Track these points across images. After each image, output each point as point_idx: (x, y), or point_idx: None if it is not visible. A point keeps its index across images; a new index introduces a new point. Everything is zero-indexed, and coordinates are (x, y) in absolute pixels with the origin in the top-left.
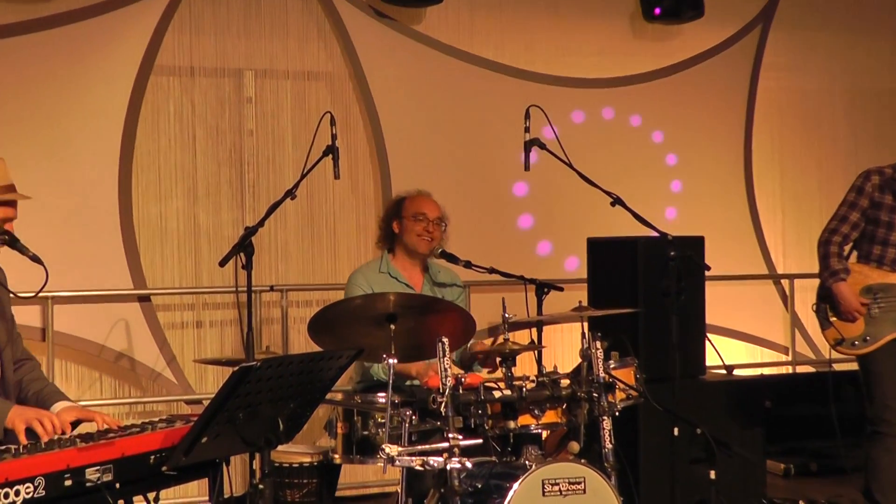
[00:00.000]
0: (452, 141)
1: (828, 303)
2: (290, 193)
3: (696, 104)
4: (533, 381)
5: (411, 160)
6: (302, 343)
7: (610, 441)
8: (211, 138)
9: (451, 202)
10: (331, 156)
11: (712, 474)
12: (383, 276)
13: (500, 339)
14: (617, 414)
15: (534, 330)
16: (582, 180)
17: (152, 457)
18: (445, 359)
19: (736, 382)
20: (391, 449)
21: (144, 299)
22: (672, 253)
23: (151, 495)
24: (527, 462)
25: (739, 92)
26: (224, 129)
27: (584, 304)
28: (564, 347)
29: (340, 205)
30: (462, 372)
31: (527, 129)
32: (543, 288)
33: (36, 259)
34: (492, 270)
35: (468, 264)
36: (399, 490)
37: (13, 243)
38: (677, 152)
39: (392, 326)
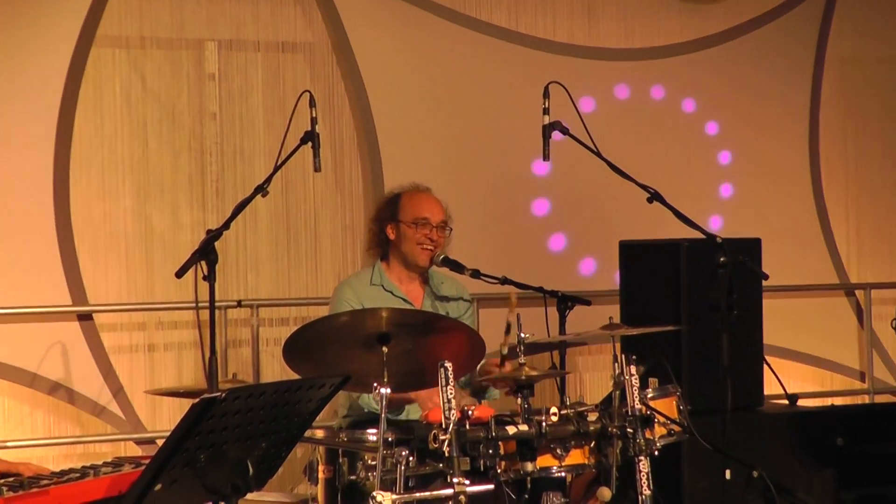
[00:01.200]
0: (457, 126)
1: None
2: (261, 189)
3: (748, 77)
4: (555, 413)
5: (407, 149)
6: (276, 369)
7: (648, 486)
8: (166, 123)
9: (455, 199)
10: (310, 144)
11: None
12: (375, 290)
13: (516, 364)
14: (656, 453)
15: (556, 353)
16: (612, 171)
17: None
18: (449, 387)
19: (801, 415)
20: (384, 497)
21: (85, 318)
22: (722, 258)
23: None
24: None
25: (802, 63)
26: (182, 111)
27: (616, 320)
28: (592, 373)
29: (322, 203)
30: (471, 403)
31: (546, 111)
32: (567, 302)
33: None
34: (504, 281)
35: (476, 273)
36: None
37: None
38: (726, 136)
39: (385, 349)
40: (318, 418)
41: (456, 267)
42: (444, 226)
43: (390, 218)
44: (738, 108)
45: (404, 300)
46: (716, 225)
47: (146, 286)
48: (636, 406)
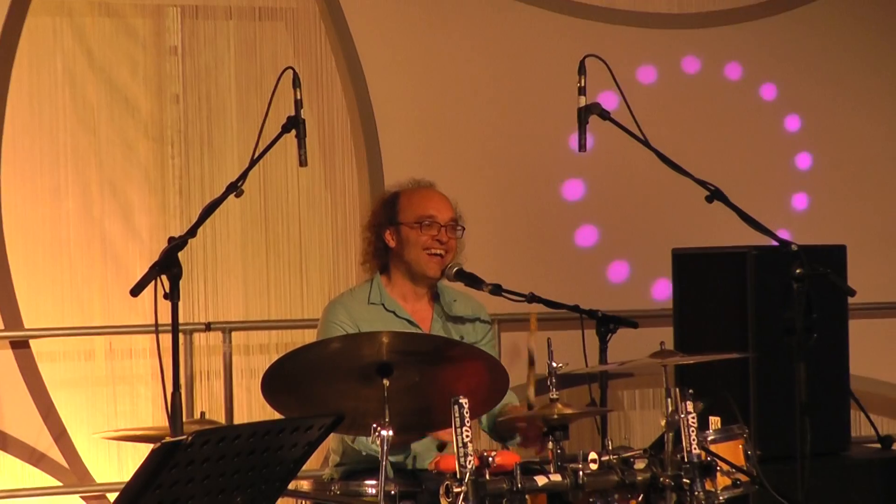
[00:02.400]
0: (473, 110)
1: None
2: (234, 188)
3: (828, 48)
4: (595, 460)
5: (413, 139)
6: (254, 407)
7: None
8: (118, 107)
9: (472, 199)
10: (293, 132)
11: None
12: (374, 310)
13: (546, 400)
14: None
15: (595, 386)
16: (664, 165)
17: None
18: (464, 429)
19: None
20: None
21: (20, 345)
22: (798, 270)
23: None
24: None
25: (889, 26)
26: (137, 93)
27: (669, 346)
28: (640, 411)
29: (309, 204)
30: (493, 448)
31: (582, 91)
32: (608, 323)
33: None
34: (532, 298)
35: (497, 289)
36: None
37: None
38: (803, 121)
39: (386, 382)
40: (304, 467)
41: (473, 282)
42: (454, 225)
43: (388, 222)
44: (804, 75)
45: (409, 322)
46: (796, 214)
47: (94, 306)
48: (694, 451)
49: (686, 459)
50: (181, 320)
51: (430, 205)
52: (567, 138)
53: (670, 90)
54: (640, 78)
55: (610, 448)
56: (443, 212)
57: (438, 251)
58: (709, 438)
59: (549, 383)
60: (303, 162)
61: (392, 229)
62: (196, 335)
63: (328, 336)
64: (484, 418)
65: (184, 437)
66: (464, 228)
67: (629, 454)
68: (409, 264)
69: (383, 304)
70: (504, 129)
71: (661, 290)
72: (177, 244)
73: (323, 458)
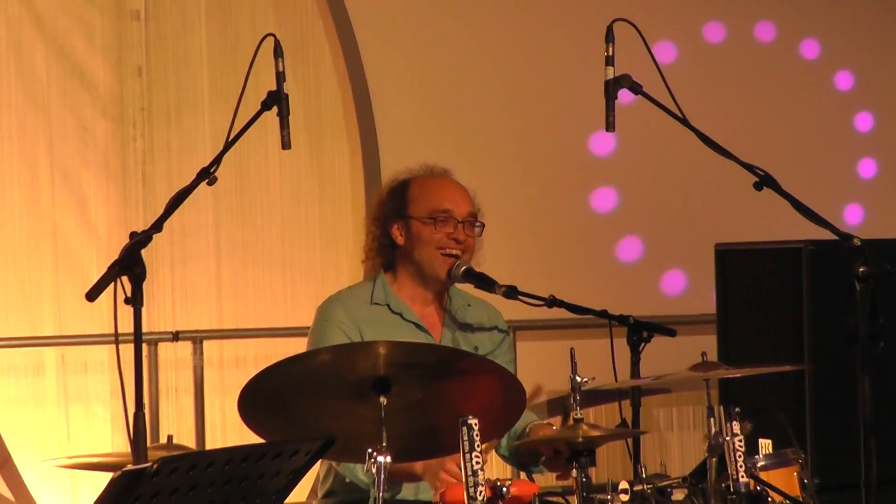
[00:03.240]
0: (484, 86)
1: None
2: (205, 175)
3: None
4: (626, 490)
5: (413, 117)
6: (229, 429)
7: None
8: (71, 82)
9: (483, 189)
10: (275, 110)
11: None
12: (378, 311)
13: (570, 421)
14: None
15: (626, 403)
16: (706, 146)
17: None
18: (474, 454)
19: None
20: None
21: None
22: (862, 268)
23: None
24: None
25: None
26: (94, 66)
27: (712, 357)
28: (679, 433)
29: (293, 194)
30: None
31: (609, 61)
32: (641, 331)
33: None
34: (552, 302)
35: (512, 292)
36: None
37: None
38: (870, 103)
39: (383, 400)
40: (289, 499)
41: (484, 283)
42: (472, 221)
43: (397, 214)
44: (870, 50)
45: (418, 326)
46: (853, 219)
47: (43, 312)
48: (741, 480)
49: (732, 489)
50: (145, 328)
51: (446, 196)
52: (592, 122)
53: (693, 63)
54: (666, 50)
55: (643, 476)
56: (460, 205)
57: (454, 250)
58: (758, 465)
59: (572, 401)
60: (286, 144)
61: (400, 223)
62: (162, 346)
63: (326, 339)
64: (504, 441)
65: (148, 464)
66: (483, 225)
67: (666, 483)
68: (420, 265)
69: (389, 305)
70: (522, 109)
71: (702, 293)
72: (140, 240)
73: (310, 489)
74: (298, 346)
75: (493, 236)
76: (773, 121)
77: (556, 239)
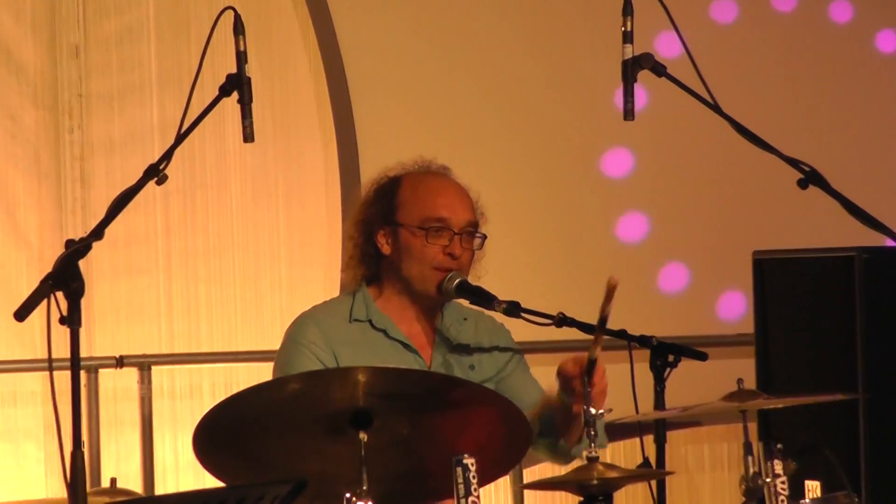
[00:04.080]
0: (482, 65)
1: None
2: (154, 173)
3: None
4: None
5: (396, 105)
6: (182, 471)
7: None
8: None
9: (478, 190)
10: (235, 97)
11: None
12: (358, 329)
13: (582, 459)
14: None
15: (649, 439)
16: (741, 136)
17: None
18: (471, 498)
19: None
20: None
21: None
22: None
23: None
24: None
25: None
26: (22, 44)
27: (749, 384)
28: (711, 473)
29: (256, 194)
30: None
31: (627, 38)
32: (666, 353)
33: None
34: (561, 321)
35: (513, 309)
36: None
37: None
38: None
39: (363, 436)
40: None
41: (480, 298)
42: (472, 232)
43: (383, 219)
44: None
45: (404, 345)
46: None
47: None
48: None
49: None
50: (83, 353)
51: (442, 202)
52: (607, 111)
53: (753, 35)
54: (715, 16)
55: None
56: (459, 213)
57: (450, 266)
58: None
59: (586, 436)
60: (248, 137)
61: (387, 230)
62: (104, 373)
63: (295, 365)
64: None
65: None
66: (485, 236)
67: None
68: (408, 281)
69: (370, 321)
70: (526, 94)
71: (734, 307)
72: (77, 249)
73: None
74: (263, 373)
75: (493, 245)
76: (819, 110)
77: (560, 244)
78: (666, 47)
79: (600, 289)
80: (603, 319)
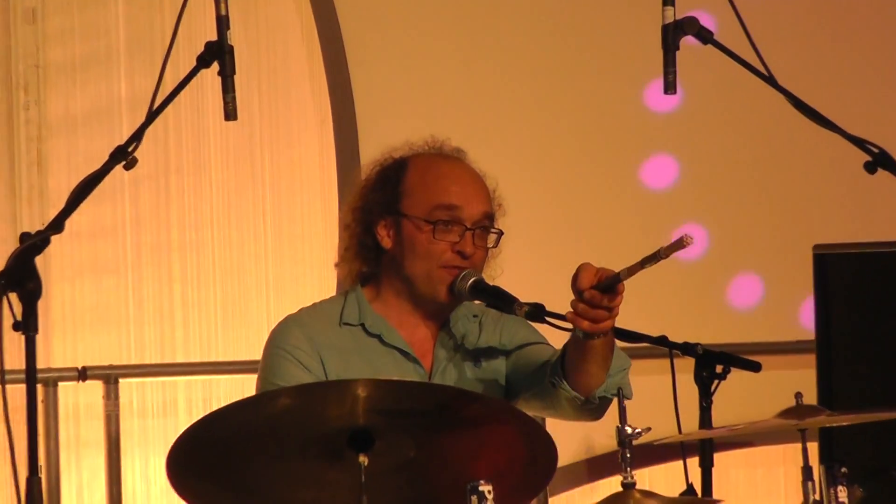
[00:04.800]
0: (497, 31)
1: None
2: (122, 156)
3: None
4: None
5: (403, 76)
6: (154, 500)
7: None
8: None
9: (496, 179)
10: (216, 68)
11: None
12: (349, 334)
13: (616, 485)
14: None
15: (693, 461)
16: (799, 112)
17: None
18: None
19: None
20: None
21: None
22: None
23: None
24: None
25: None
26: None
27: (809, 399)
28: (765, 499)
29: (240, 182)
30: None
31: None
32: (713, 363)
33: None
34: None
35: (536, 312)
36: None
37: None
38: None
39: (363, 459)
40: None
41: (499, 300)
42: (487, 226)
43: (386, 207)
44: None
45: (403, 353)
46: None
47: None
48: None
49: None
50: (41, 364)
51: (455, 190)
52: (644, 88)
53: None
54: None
55: None
56: (473, 204)
57: (459, 266)
58: None
59: (620, 459)
60: (230, 114)
61: (389, 221)
62: (64, 387)
63: (279, 374)
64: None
65: None
66: (501, 232)
67: None
68: (412, 280)
69: (363, 325)
70: (546, 73)
71: (794, 311)
72: (33, 244)
73: None
74: (247, 387)
75: (507, 239)
76: (885, 85)
77: (590, 240)
78: None
79: (634, 291)
80: (656, 255)
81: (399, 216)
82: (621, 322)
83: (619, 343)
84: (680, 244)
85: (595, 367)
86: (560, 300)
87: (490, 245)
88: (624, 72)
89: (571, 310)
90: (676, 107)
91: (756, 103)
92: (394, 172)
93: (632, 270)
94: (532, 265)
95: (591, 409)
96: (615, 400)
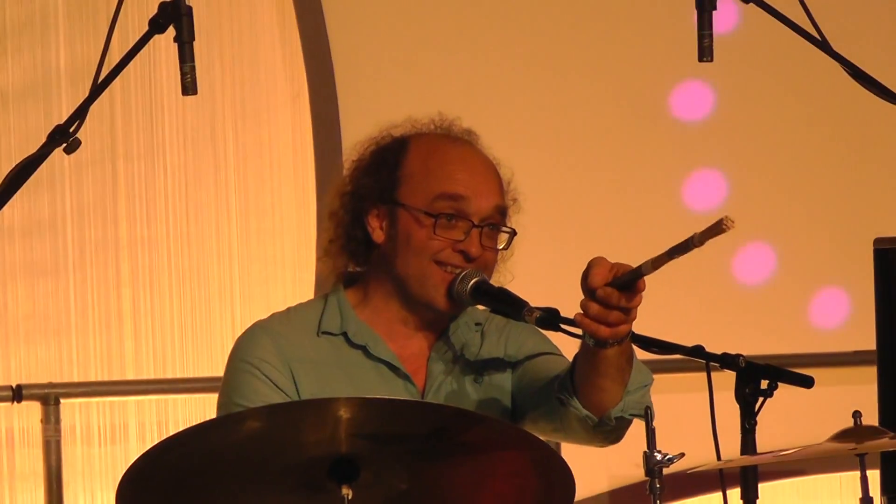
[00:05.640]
0: (501, 12)
1: None
2: (61, 136)
3: None
4: None
5: (390, 41)
6: None
7: None
8: None
9: (507, 163)
10: (171, 34)
11: None
12: (328, 345)
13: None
14: None
15: (734, 491)
16: (857, 83)
17: None
18: None
19: None
20: None
21: None
22: None
23: None
24: None
25: None
26: None
27: (870, 420)
28: None
29: (201, 167)
30: None
31: None
32: (757, 378)
33: None
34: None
35: (549, 319)
36: None
37: None
38: None
39: (347, 492)
40: None
41: (505, 304)
42: (498, 224)
43: (379, 195)
44: None
45: (391, 367)
46: None
47: None
48: None
49: None
50: None
51: (461, 179)
52: (673, 68)
53: None
54: None
55: None
56: (483, 196)
57: (465, 266)
58: None
59: (649, 490)
60: (188, 87)
61: (383, 211)
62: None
63: (242, 392)
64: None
65: None
66: (514, 232)
67: None
68: (405, 282)
69: (346, 335)
70: (567, 40)
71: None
72: None
73: None
74: (207, 407)
75: (523, 238)
76: None
77: (613, 237)
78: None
79: (663, 297)
80: (687, 243)
81: (395, 205)
82: (652, 331)
83: (646, 355)
84: (718, 228)
85: (609, 382)
86: (576, 306)
87: (500, 246)
88: (653, 48)
89: (581, 311)
90: (712, 109)
91: (797, 98)
92: (392, 154)
93: (657, 263)
94: (544, 267)
95: (607, 431)
96: (640, 421)
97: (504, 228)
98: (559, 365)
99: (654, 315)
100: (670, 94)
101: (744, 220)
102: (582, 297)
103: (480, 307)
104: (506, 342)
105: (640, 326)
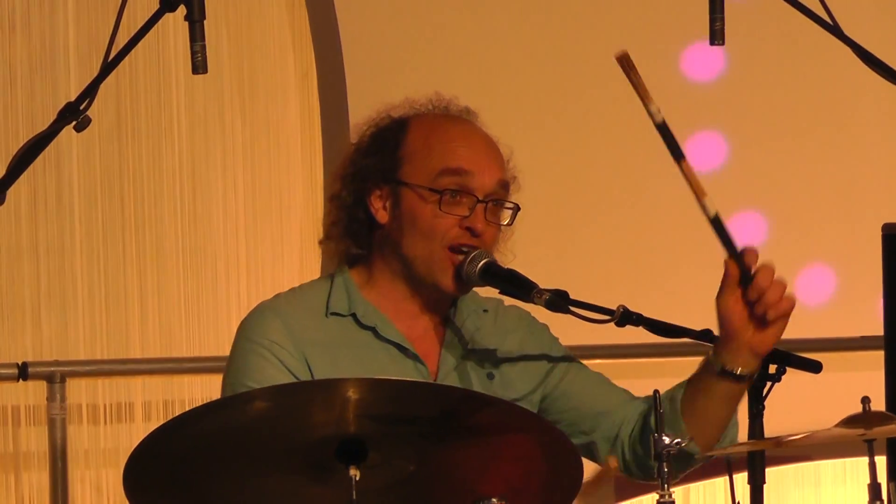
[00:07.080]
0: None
1: None
2: (71, 114)
3: None
4: None
5: (402, 19)
6: None
7: None
8: None
9: (511, 142)
10: (182, 12)
11: None
12: (337, 326)
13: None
14: None
15: (741, 476)
16: (868, 67)
17: None
18: None
19: None
20: None
21: None
22: None
23: None
24: None
25: None
26: None
27: (878, 405)
28: None
29: (211, 145)
30: None
31: None
32: (765, 363)
33: None
34: (625, 317)
35: (558, 301)
36: None
37: None
38: None
39: (355, 472)
40: None
41: (513, 286)
42: (501, 199)
43: (381, 175)
44: None
45: (401, 348)
46: None
47: None
48: None
49: None
50: None
51: (464, 154)
52: (682, 45)
53: None
54: None
55: None
56: (486, 170)
57: (471, 244)
58: None
59: (657, 474)
60: (199, 66)
61: (385, 191)
62: (3, 386)
63: (252, 373)
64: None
65: None
66: (517, 207)
67: None
68: (412, 262)
69: (355, 316)
70: (575, 19)
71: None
72: None
73: None
74: (214, 387)
75: (530, 226)
76: None
77: (618, 221)
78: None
79: (668, 279)
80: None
81: (398, 185)
82: (661, 314)
83: (656, 339)
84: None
85: (729, 412)
86: (577, 288)
87: (504, 222)
88: (663, 20)
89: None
90: (720, 73)
91: (809, 68)
92: (392, 134)
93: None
94: (546, 249)
95: (686, 468)
96: (653, 410)
97: (507, 204)
98: (612, 393)
99: (662, 299)
100: (680, 58)
101: (739, 187)
102: (589, 276)
103: (482, 295)
104: (514, 333)
105: (649, 310)
